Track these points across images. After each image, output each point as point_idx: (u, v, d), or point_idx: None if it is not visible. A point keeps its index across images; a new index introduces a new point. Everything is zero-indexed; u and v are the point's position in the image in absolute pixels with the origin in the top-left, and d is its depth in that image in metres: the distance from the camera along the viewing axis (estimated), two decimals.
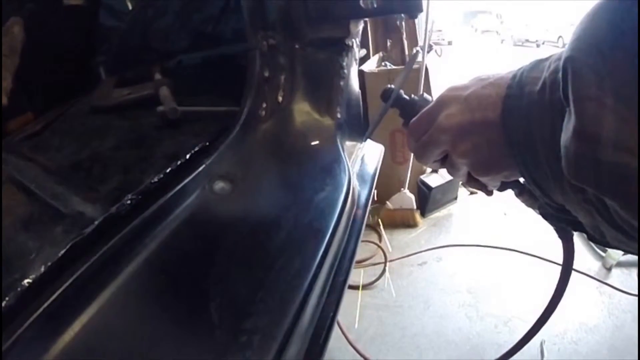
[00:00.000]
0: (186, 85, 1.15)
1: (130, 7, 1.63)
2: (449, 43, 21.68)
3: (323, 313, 0.61)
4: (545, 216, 0.54)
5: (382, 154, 1.12)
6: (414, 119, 0.55)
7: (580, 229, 0.47)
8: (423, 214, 3.37)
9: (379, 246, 2.93)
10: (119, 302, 0.49)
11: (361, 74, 2.94)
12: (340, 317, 2.25)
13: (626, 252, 0.45)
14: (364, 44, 3.56)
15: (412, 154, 2.46)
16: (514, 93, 0.43)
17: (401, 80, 0.64)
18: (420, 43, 3.19)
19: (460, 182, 3.21)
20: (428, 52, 3.17)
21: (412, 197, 3.21)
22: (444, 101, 0.50)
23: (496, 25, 28.90)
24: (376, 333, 2.28)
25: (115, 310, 0.49)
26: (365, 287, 2.62)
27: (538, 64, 0.43)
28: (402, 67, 3.25)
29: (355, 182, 0.85)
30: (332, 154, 0.84)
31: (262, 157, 0.78)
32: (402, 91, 0.62)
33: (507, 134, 0.43)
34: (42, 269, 0.49)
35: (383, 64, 3.46)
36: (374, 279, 2.66)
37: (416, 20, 3.80)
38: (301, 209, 0.69)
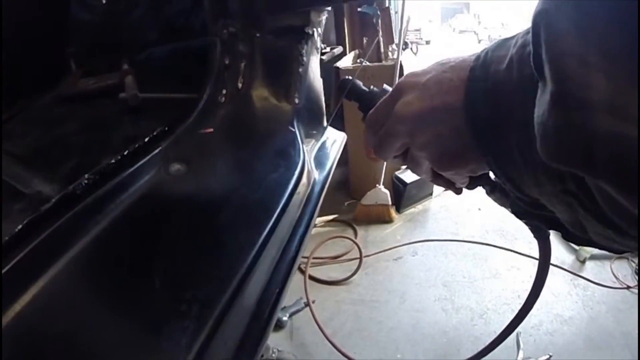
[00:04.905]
0: (155, 76, 1.15)
1: (103, 0, 1.63)
2: (427, 42, 21.71)
3: (269, 289, 0.62)
4: (518, 214, 0.48)
5: (344, 141, 1.13)
6: (371, 110, 0.51)
7: (556, 227, 0.42)
8: (398, 210, 3.39)
9: (355, 242, 2.93)
10: (68, 275, 0.51)
11: (336, 70, 2.97)
12: (317, 312, 2.26)
13: (611, 250, 0.38)
14: (340, 42, 3.59)
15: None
16: (477, 75, 0.38)
17: (358, 71, 0.62)
18: (396, 41, 3.23)
19: None
20: (404, 49, 3.21)
21: (387, 193, 3.23)
22: (401, 89, 0.45)
23: (473, 25, 29.11)
24: (353, 328, 2.29)
25: (63, 282, 0.50)
26: (341, 282, 2.64)
27: (504, 43, 0.38)
28: (378, 63, 3.28)
29: (310, 165, 0.86)
30: (288, 138, 0.85)
31: (219, 141, 0.79)
32: (361, 83, 0.59)
33: (470, 119, 0.38)
34: None
35: (359, 60, 3.49)
36: (349, 274, 2.67)
37: (393, 18, 3.85)
38: (252, 188, 0.71)
